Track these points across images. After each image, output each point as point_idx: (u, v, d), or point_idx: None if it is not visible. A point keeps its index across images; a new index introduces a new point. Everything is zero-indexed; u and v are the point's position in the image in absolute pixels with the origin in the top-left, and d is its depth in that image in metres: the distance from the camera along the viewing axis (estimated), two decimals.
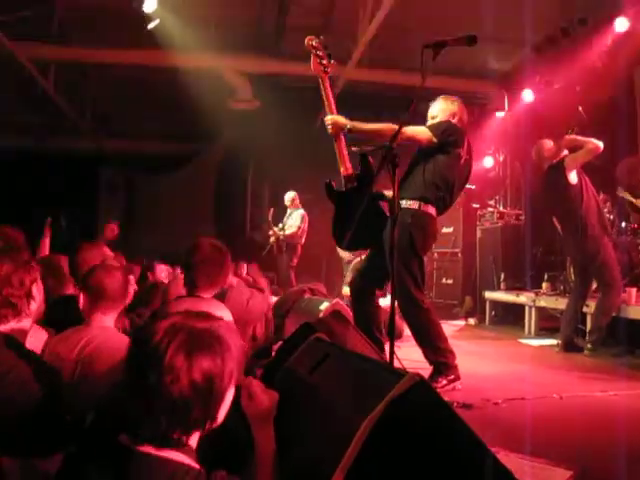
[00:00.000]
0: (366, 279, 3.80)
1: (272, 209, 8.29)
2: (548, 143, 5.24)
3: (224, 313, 1.87)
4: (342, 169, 3.53)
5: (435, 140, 3.59)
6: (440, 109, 3.83)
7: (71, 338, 2.02)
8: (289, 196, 8.27)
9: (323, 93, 3.57)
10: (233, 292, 2.24)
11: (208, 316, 1.24)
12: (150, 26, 6.69)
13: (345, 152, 3.53)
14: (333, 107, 3.55)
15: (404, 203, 3.60)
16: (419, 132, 3.58)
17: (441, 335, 3.65)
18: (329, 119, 3.52)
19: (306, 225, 8.12)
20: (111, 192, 12.09)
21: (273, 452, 1.42)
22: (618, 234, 5.38)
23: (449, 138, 3.62)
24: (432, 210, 3.65)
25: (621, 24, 6.61)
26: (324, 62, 3.49)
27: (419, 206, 3.60)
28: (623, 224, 5.18)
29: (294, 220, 8.12)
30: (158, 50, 7.27)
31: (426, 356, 3.62)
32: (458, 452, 1.36)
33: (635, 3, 6.47)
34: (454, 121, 3.77)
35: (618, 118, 7.32)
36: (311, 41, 3.49)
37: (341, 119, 3.50)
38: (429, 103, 3.95)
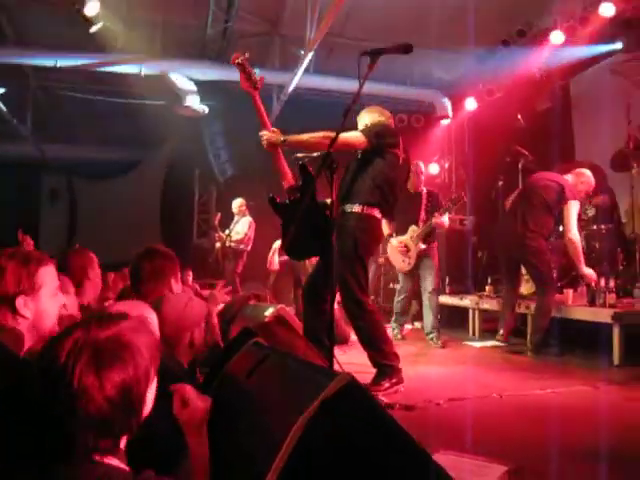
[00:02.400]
0: (316, 285, 3.81)
1: (219, 214, 8.24)
2: None
3: (152, 319, 1.85)
4: (284, 182, 3.57)
5: (370, 143, 3.64)
6: (363, 120, 3.92)
7: None
8: (237, 203, 8.23)
9: (255, 109, 3.59)
10: (170, 297, 2.21)
11: (111, 319, 1.19)
12: (92, 30, 6.55)
13: (284, 165, 3.57)
14: (267, 122, 3.58)
15: (348, 208, 3.66)
16: (353, 137, 3.63)
17: (385, 338, 3.70)
18: (263, 134, 3.55)
19: (252, 232, 8.10)
20: (53, 199, 11.78)
21: (206, 456, 1.42)
22: (555, 237, 5.57)
23: (384, 140, 3.69)
24: (376, 212, 3.70)
25: (557, 37, 6.88)
26: (252, 78, 3.50)
27: (363, 209, 3.65)
28: (560, 228, 5.36)
29: (241, 227, 8.09)
30: (101, 53, 7.15)
31: (370, 359, 3.65)
32: (389, 451, 1.38)
33: (569, 18, 6.75)
34: (385, 121, 3.87)
35: (555, 126, 7.61)
36: (237, 59, 3.50)
37: (274, 134, 3.54)
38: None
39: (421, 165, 6.13)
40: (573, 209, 5.03)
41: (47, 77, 8.31)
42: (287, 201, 3.56)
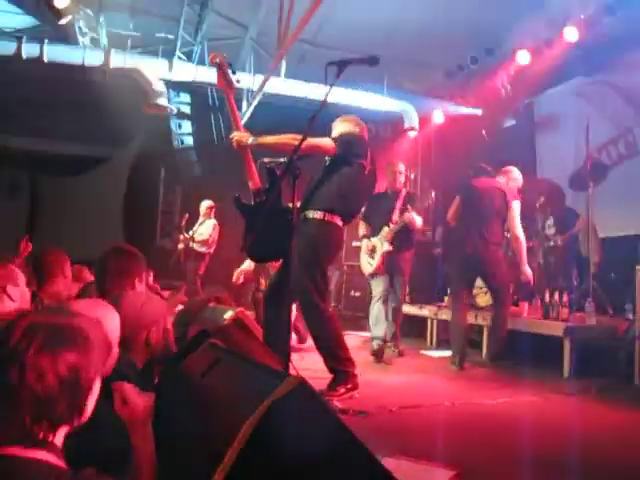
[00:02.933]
0: (276, 290, 3.81)
1: (187, 215, 8.17)
2: None
3: (113, 316, 1.85)
4: (250, 183, 3.59)
5: (337, 150, 3.69)
6: (337, 129, 3.97)
7: None
8: (205, 204, 8.18)
9: (228, 108, 3.63)
10: (128, 294, 2.21)
11: (68, 312, 1.25)
12: (62, 22, 6.46)
13: (252, 167, 3.61)
14: (239, 122, 3.64)
15: (310, 214, 3.68)
16: (322, 141, 3.67)
17: (342, 344, 3.73)
18: (234, 135, 3.59)
19: (216, 235, 8.07)
20: (13, 193, 11.52)
21: (152, 453, 1.43)
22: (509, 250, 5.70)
23: (352, 149, 3.74)
24: (338, 220, 3.74)
25: (523, 57, 7.08)
26: (228, 78, 3.55)
27: (324, 216, 3.68)
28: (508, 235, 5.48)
29: (205, 229, 8.04)
30: (70, 47, 7.05)
31: (326, 364, 3.68)
32: (337, 453, 1.41)
33: (536, 39, 6.95)
34: (355, 130, 3.92)
35: (518, 144, 7.81)
36: (215, 58, 3.54)
37: (245, 135, 3.58)
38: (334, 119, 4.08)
39: (400, 165, 5.83)
40: (517, 209, 5.08)
41: (13, 67, 8.14)
42: (252, 202, 3.59)
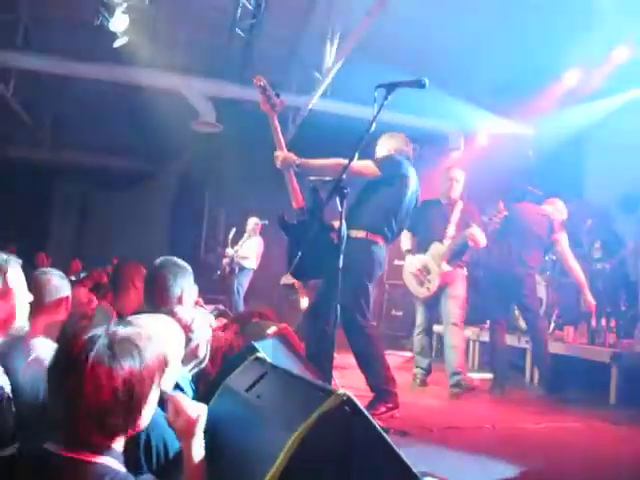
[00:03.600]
0: (319, 307, 3.82)
1: (234, 229, 8.29)
2: None
3: (175, 331, 1.91)
4: (294, 202, 3.67)
5: (380, 173, 3.75)
6: (384, 145, 4.04)
7: None
8: (252, 222, 8.30)
9: (272, 130, 3.72)
10: (178, 310, 2.28)
11: (129, 324, 1.30)
12: (116, 44, 6.71)
13: (296, 186, 3.67)
14: (282, 143, 3.71)
15: (353, 233, 3.71)
16: (365, 166, 3.73)
17: (384, 363, 3.74)
18: (278, 155, 3.67)
19: (261, 251, 8.18)
20: (65, 205, 11.91)
21: (201, 464, 1.46)
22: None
23: (394, 170, 3.80)
24: (380, 239, 3.79)
25: (571, 77, 7.01)
26: (272, 101, 3.62)
27: (366, 235, 3.74)
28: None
29: (250, 245, 8.16)
30: (123, 67, 7.30)
31: (368, 382, 3.70)
32: (382, 469, 1.43)
33: (586, 60, 6.86)
34: (398, 154, 3.95)
35: (564, 164, 7.67)
36: (259, 81, 3.62)
37: (290, 156, 3.65)
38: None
39: (457, 172, 5.16)
40: (566, 241, 5.05)
41: (68, 84, 8.48)
42: (295, 222, 3.66)
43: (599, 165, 7.68)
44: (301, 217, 3.63)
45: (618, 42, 6.35)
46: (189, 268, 2.74)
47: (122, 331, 1.24)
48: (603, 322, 4.94)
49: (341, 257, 2.88)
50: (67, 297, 2.29)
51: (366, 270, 3.74)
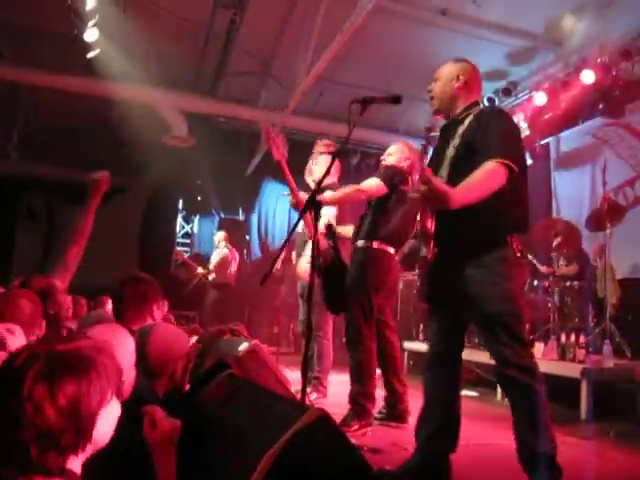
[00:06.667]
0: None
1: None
2: None
3: (126, 340, 1.85)
4: (306, 231, 3.82)
5: (387, 188, 3.81)
6: (397, 150, 4.08)
7: None
8: (219, 236, 8.26)
9: (283, 176, 3.79)
10: (159, 328, 2.22)
11: (73, 337, 1.23)
12: (90, 55, 6.65)
13: (310, 222, 3.64)
14: (294, 188, 3.84)
15: (360, 243, 3.82)
16: (373, 188, 3.79)
17: (372, 380, 3.74)
18: (293, 201, 3.86)
19: (234, 266, 8.11)
20: (31, 219, 11.66)
21: (173, 478, 1.42)
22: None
23: (397, 179, 3.84)
24: (386, 247, 3.82)
25: (540, 98, 7.15)
26: (282, 150, 3.70)
27: (371, 243, 3.80)
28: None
29: (218, 259, 8.09)
30: (95, 79, 7.22)
31: (350, 393, 3.69)
32: None
33: (553, 82, 7.03)
34: (403, 164, 3.98)
35: (534, 184, 7.80)
36: (269, 132, 3.71)
37: (304, 200, 3.67)
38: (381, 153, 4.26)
39: None
40: None
41: (38, 96, 8.35)
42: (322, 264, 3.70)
43: (566, 183, 7.84)
44: (328, 257, 3.71)
45: (585, 65, 6.51)
46: (155, 282, 2.74)
47: (65, 345, 1.16)
48: (572, 338, 4.99)
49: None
50: None
51: (371, 277, 3.78)
